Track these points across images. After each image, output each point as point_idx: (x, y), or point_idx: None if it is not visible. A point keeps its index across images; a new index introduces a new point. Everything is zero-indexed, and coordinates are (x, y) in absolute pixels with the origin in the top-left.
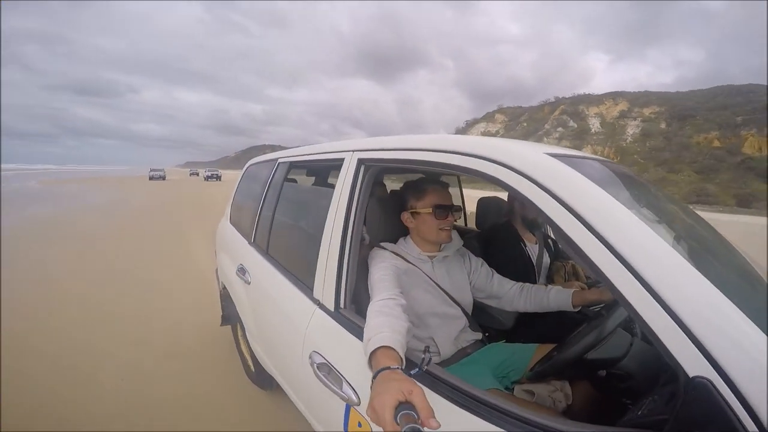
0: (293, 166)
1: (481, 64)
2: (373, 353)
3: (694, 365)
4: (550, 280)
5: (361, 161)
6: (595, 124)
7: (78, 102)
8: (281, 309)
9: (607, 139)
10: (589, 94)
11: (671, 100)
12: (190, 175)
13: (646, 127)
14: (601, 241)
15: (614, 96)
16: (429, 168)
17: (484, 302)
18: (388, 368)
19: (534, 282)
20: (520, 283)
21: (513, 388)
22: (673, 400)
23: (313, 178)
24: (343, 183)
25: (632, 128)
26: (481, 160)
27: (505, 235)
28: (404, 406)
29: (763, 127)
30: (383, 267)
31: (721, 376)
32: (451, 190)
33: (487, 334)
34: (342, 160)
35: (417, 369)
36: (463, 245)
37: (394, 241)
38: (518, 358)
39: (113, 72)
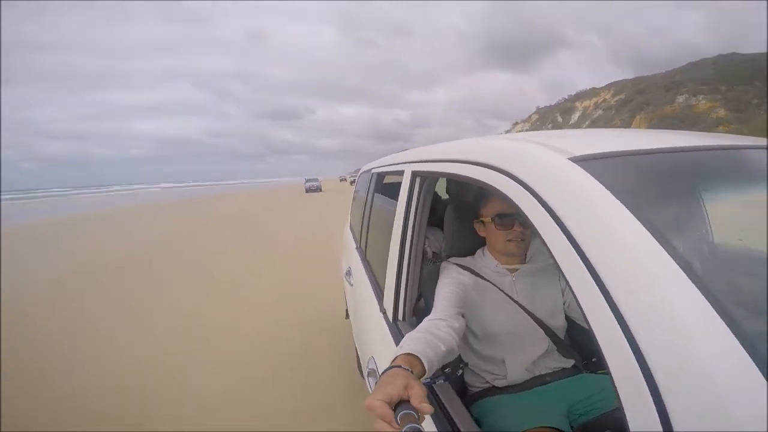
0: (381, 176)
1: (634, 35)
2: (395, 359)
3: None
4: None
5: (415, 174)
6: (573, 117)
7: (274, 126)
8: (364, 313)
9: None
10: (593, 87)
11: (638, 85)
12: (340, 181)
13: (602, 114)
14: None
15: (611, 87)
16: (463, 180)
17: (577, 322)
18: (397, 367)
19: None
20: None
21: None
22: None
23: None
24: (403, 196)
25: (590, 118)
26: (488, 170)
27: None
28: (404, 405)
29: (651, 107)
30: (446, 284)
31: None
32: None
33: (594, 359)
34: (403, 171)
35: (428, 380)
36: None
37: (473, 252)
38: (610, 393)
39: (293, 97)
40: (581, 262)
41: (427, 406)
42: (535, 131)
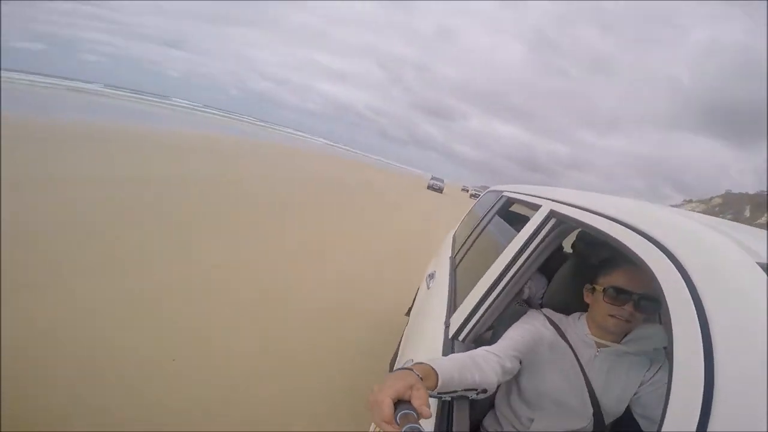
0: (511, 201)
1: None
2: (415, 364)
3: None
4: None
5: (553, 213)
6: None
7: (424, 120)
8: (427, 318)
9: None
10: None
11: None
12: (462, 190)
13: None
14: None
15: None
16: (609, 242)
17: (636, 417)
18: (409, 370)
19: None
20: None
21: None
22: None
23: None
24: (529, 229)
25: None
26: (647, 243)
27: None
28: (405, 405)
29: None
30: (525, 328)
31: None
32: None
33: None
34: (540, 206)
35: (434, 394)
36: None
37: (570, 312)
38: None
39: (453, 99)
40: (703, 391)
41: (426, 410)
42: (719, 218)
